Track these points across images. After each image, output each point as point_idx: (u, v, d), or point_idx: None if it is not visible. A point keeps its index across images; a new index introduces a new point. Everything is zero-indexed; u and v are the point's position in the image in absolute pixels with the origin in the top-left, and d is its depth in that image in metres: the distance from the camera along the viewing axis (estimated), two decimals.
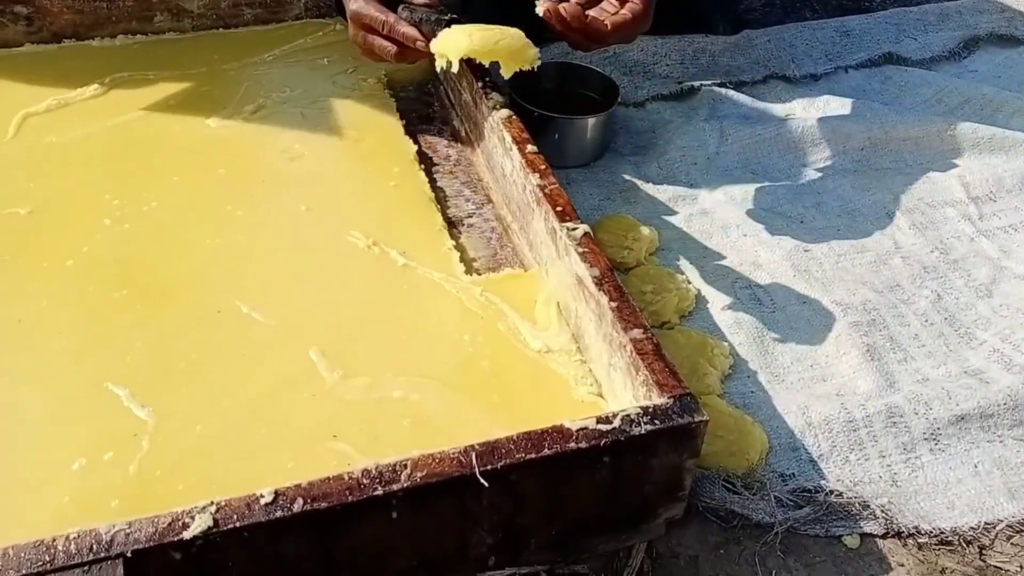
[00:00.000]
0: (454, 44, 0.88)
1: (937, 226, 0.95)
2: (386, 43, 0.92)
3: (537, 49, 0.89)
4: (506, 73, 0.90)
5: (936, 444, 0.72)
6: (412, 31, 0.91)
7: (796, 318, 0.83)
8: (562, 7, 0.90)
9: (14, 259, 0.81)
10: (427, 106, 1.10)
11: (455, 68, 0.90)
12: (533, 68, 0.90)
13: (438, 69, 0.92)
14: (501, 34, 0.89)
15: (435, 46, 0.89)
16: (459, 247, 0.88)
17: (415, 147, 1.00)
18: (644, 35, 1.18)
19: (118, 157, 0.95)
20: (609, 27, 0.89)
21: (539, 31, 0.93)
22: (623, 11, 0.90)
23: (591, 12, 0.91)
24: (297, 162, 0.96)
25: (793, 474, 0.70)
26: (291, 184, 0.93)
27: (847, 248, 0.92)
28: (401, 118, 1.04)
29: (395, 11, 0.93)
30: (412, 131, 1.04)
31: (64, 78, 1.05)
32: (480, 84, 0.96)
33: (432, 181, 0.96)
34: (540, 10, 0.91)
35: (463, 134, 1.05)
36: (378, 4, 0.93)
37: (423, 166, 0.97)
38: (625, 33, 0.91)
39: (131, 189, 0.90)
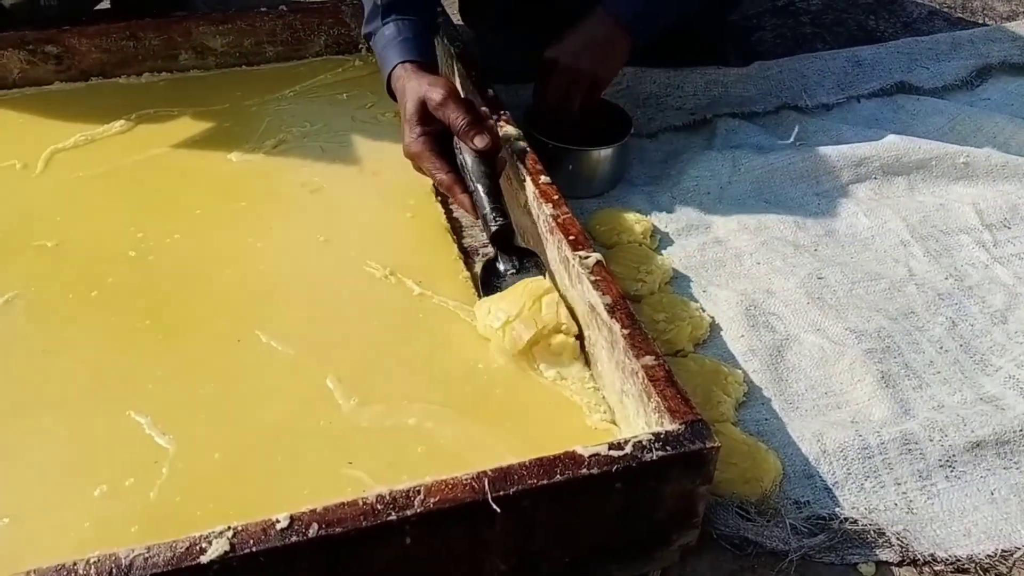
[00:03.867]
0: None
1: (951, 253, 0.95)
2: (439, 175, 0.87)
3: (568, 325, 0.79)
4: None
5: (952, 471, 0.71)
6: (464, 199, 0.85)
7: (810, 345, 0.83)
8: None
9: (41, 290, 0.83)
10: None
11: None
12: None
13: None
14: (565, 320, 0.78)
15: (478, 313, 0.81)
16: (474, 277, 0.89)
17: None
18: (658, 67, 1.20)
19: (143, 191, 0.97)
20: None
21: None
22: None
23: None
24: (316, 195, 0.98)
25: (808, 501, 0.70)
26: (310, 216, 0.95)
27: (861, 275, 0.92)
28: None
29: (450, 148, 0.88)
30: None
31: (91, 115, 1.08)
32: (495, 118, 0.98)
33: (448, 212, 0.98)
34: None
35: None
36: (437, 159, 0.87)
37: (439, 198, 0.99)
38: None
39: (155, 222, 0.92)
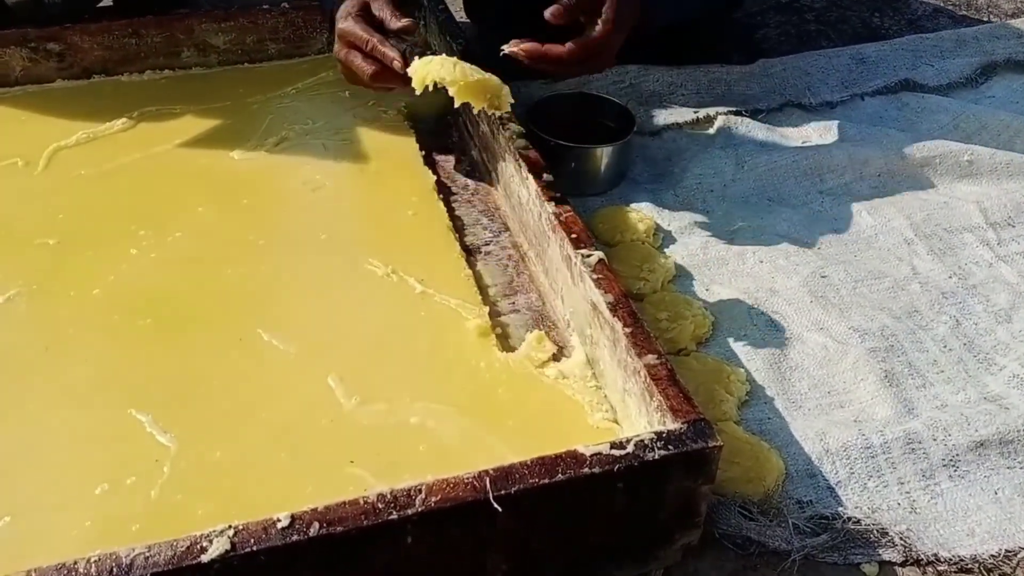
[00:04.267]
0: (432, 69, 0.87)
1: (955, 252, 0.95)
2: (365, 64, 0.93)
3: (510, 99, 0.89)
4: (475, 108, 0.89)
5: (955, 471, 0.71)
6: (393, 52, 0.91)
7: (813, 344, 0.83)
8: (520, 45, 0.92)
9: (42, 288, 0.83)
10: (446, 137, 1.12)
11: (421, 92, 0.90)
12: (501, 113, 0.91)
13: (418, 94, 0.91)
14: (480, 74, 0.88)
15: (412, 69, 0.89)
16: (476, 274, 0.89)
17: (434, 177, 1.01)
18: (660, 65, 1.20)
19: (145, 189, 0.97)
20: (565, 50, 0.90)
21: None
22: (586, 35, 0.92)
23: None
24: (318, 192, 0.98)
25: (811, 501, 0.69)
26: (312, 214, 0.95)
27: (864, 274, 0.91)
28: (420, 149, 1.06)
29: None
30: (431, 161, 1.05)
31: (93, 113, 1.08)
32: (497, 115, 0.98)
33: (450, 210, 0.98)
34: (505, 50, 0.93)
35: (481, 164, 1.06)
36: (365, 25, 0.94)
37: (441, 196, 0.99)
38: (588, 54, 0.92)
39: (157, 220, 0.92)
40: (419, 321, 0.82)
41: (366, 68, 0.93)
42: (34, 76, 1.15)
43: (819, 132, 1.12)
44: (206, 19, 1.17)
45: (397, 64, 0.91)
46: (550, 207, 0.84)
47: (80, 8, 1.26)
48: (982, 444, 0.72)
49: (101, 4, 1.36)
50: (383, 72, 0.93)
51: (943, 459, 0.71)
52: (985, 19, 1.44)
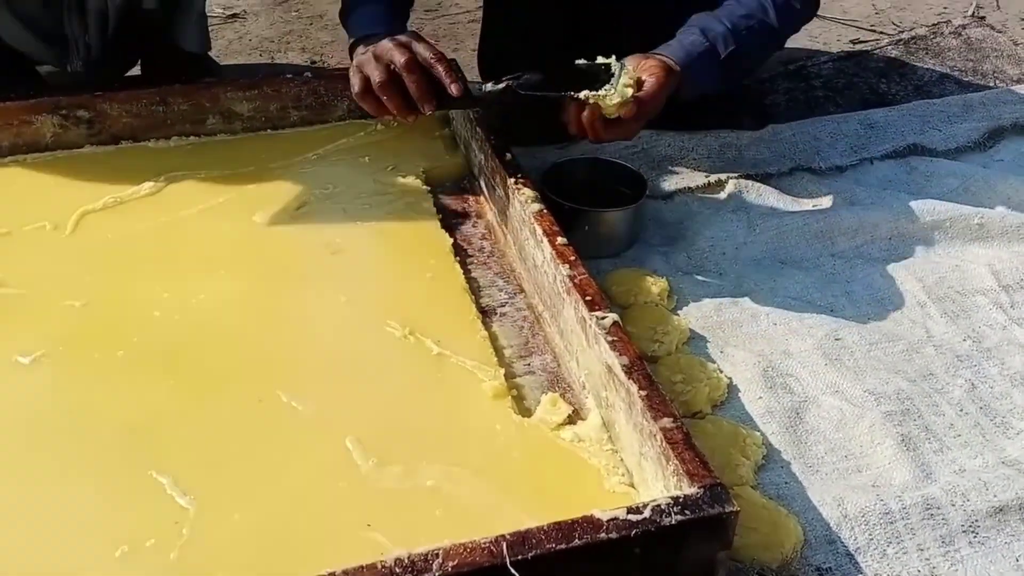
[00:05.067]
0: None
1: (969, 314, 0.95)
2: (418, 88, 0.95)
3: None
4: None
5: (975, 537, 0.70)
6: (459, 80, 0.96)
7: (829, 407, 0.83)
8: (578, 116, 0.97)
9: (68, 350, 0.85)
10: (463, 200, 1.15)
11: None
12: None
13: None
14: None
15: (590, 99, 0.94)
16: (492, 336, 0.90)
17: (450, 240, 1.03)
18: (671, 130, 1.23)
19: (169, 252, 1.00)
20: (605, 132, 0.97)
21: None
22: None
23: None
24: (338, 256, 1.00)
25: (830, 568, 0.69)
26: (332, 277, 0.97)
27: (878, 337, 0.92)
28: (438, 212, 1.08)
29: None
30: (448, 224, 1.08)
31: (121, 177, 1.11)
32: (513, 180, 1.00)
33: (466, 272, 1.00)
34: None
35: (497, 227, 1.08)
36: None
37: (458, 258, 1.01)
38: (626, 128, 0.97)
39: (180, 283, 0.94)
40: (436, 383, 0.83)
41: (422, 92, 0.95)
42: (64, 142, 1.19)
43: (829, 196, 1.14)
44: (232, 88, 1.21)
45: (456, 88, 0.96)
46: (564, 269, 0.86)
47: (108, 74, 1.31)
48: (1001, 510, 0.72)
49: (129, 73, 1.42)
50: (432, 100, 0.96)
51: (963, 525, 0.71)
52: (991, 84, 1.47)
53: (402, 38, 0.98)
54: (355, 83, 0.99)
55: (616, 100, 0.94)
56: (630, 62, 0.98)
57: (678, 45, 1.03)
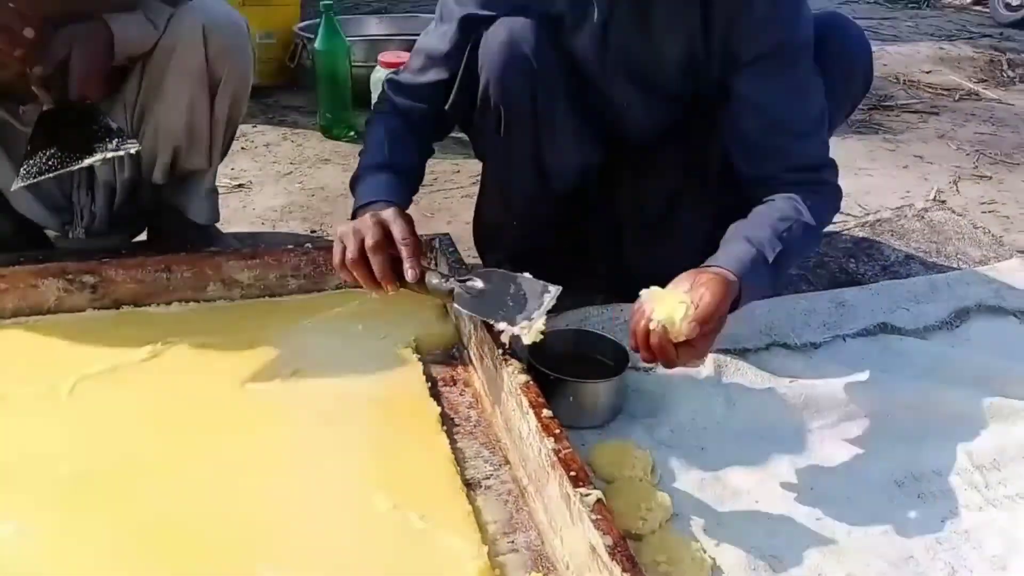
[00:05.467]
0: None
1: (946, 495, 0.97)
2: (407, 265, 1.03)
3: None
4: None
5: None
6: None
7: None
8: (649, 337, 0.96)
9: (58, 517, 0.85)
10: (452, 368, 1.18)
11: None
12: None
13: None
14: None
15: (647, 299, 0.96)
16: (476, 510, 0.90)
17: (438, 409, 1.06)
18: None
19: (162, 419, 1.01)
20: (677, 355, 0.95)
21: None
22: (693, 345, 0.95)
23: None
24: (329, 426, 1.02)
25: None
26: (321, 446, 0.99)
27: (859, 518, 0.93)
28: (427, 380, 1.11)
29: None
30: (436, 392, 1.10)
31: (120, 341, 1.15)
32: (500, 351, 1.04)
33: (453, 442, 1.01)
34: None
35: (484, 396, 1.11)
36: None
37: (445, 427, 1.03)
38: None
39: (171, 451, 0.95)
40: (419, 560, 0.83)
41: (384, 272, 1.03)
42: (67, 305, 1.23)
43: (806, 372, 1.17)
44: (234, 257, 1.27)
45: (411, 275, 1.03)
46: (549, 443, 0.88)
47: (113, 242, 1.37)
48: None
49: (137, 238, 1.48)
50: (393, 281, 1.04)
51: None
52: (954, 265, 1.55)
53: (384, 215, 1.06)
54: (335, 254, 1.06)
55: (537, 329, 0.97)
56: (685, 279, 0.98)
57: (727, 256, 1.04)
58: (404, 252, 1.04)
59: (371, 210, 1.08)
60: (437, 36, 1.22)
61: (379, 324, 1.22)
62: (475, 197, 1.44)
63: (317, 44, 2.16)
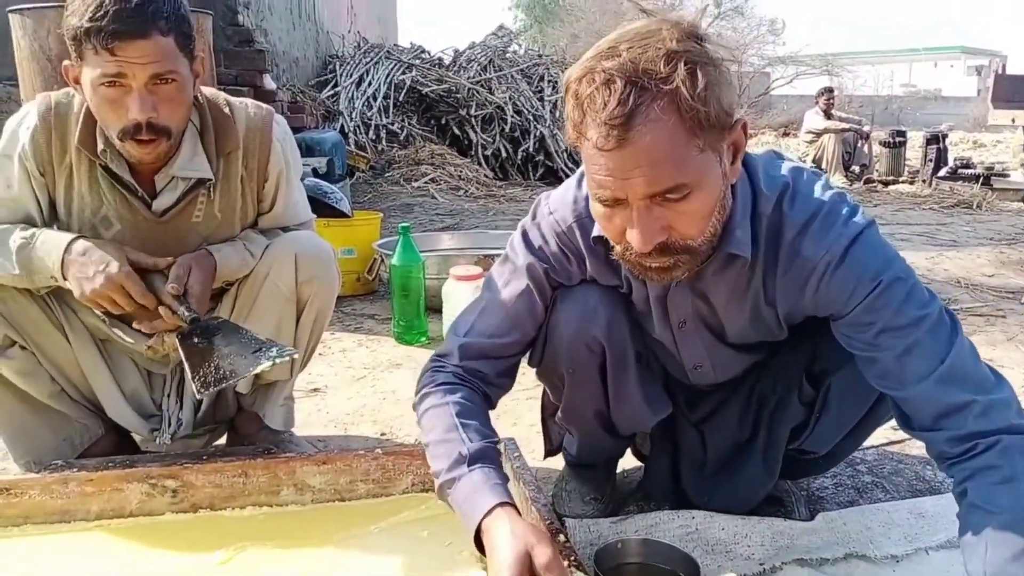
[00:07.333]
0: None
1: None
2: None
3: None
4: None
5: None
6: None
7: None
8: None
9: None
10: None
11: None
12: None
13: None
14: None
15: None
16: None
17: None
18: (726, 514, 1.25)
19: None
20: None
21: None
22: None
23: None
24: None
25: None
26: None
27: None
28: None
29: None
30: None
31: (195, 545, 1.18)
32: (566, 562, 1.02)
33: None
34: None
35: None
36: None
37: None
38: None
39: None
40: None
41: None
42: (147, 509, 1.27)
43: None
44: (308, 463, 1.32)
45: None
46: None
47: (198, 446, 1.43)
48: None
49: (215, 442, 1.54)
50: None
51: None
52: None
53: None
54: None
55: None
56: None
57: None
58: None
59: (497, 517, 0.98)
60: (509, 292, 1.16)
61: (444, 531, 1.22)
62: (539, 398, 1.45)
63: (394, 260, 2.34)
